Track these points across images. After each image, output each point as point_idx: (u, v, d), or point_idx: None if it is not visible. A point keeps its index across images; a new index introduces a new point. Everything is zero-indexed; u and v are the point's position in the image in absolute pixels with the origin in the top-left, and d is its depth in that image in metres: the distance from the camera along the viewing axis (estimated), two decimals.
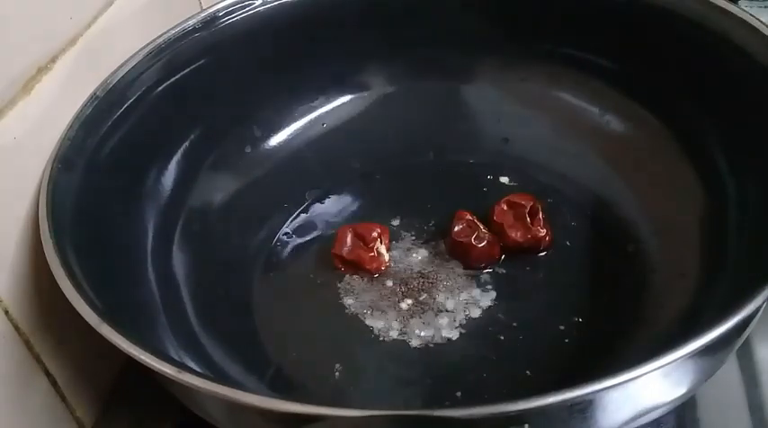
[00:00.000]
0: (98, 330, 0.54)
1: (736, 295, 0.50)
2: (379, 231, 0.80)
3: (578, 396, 0.44)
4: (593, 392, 0.44)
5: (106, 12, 0.74)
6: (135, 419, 0.74)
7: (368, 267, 0.79)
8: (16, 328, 0.63)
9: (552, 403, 0.44)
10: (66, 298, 0.56)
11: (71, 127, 0.69)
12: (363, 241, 0.79)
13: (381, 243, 0.80)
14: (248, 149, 0.89)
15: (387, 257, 0.80)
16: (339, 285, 0.79)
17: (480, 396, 0.69)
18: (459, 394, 0.68)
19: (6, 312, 0.62)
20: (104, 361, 0.75)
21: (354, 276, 0.79)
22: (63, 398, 0.69)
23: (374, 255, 0.79)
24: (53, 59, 0.67)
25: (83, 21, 0.71)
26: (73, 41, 0.69)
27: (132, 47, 0.76)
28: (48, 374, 0.67)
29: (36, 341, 0.65)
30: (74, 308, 0.55)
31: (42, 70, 0.65)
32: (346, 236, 0.80)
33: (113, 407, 0.75)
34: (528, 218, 0.78)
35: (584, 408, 0.48)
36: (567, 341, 0.71)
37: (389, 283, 0.78)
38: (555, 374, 0.69)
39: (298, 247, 0.84)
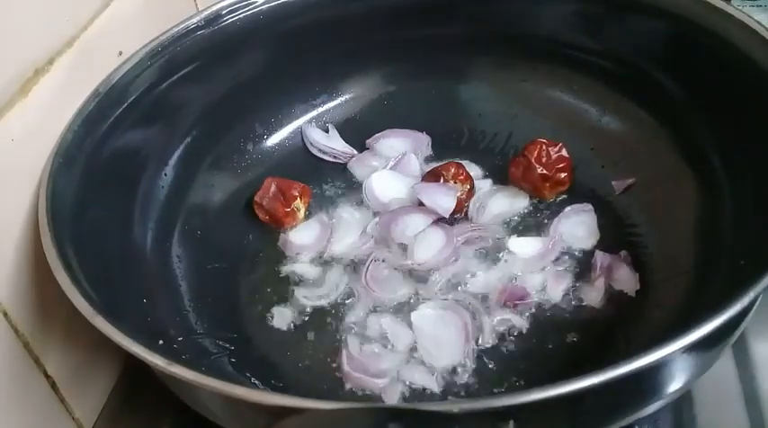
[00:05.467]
0: (92, 322, 0.54)
1: (729, 291, 0.50)
2: (300, 190, 0.84)
3: (562, 394, 0.44)
4: (578, 389, 0.45)
5: (102, 14, 0.74)
6: (133, 421, 0.74)
7: (283, 220, 0.83)
8: (15, 330, 0.63)
9: (535, 400, 0.44)
10: (65, 300, 0.56)
11: (73, 122, 0.70)
12: (284, 196, 0.83)
13: (301, 201, 0.84)
14: (250, 147, 0.90)
15: (302, 215, 0.84)
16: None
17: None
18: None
19: (5, 314, 0.62)
20: (103, 364, 0.76)
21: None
22: (62, 400, 0.69)
23: (290, 210, 0.83)
24: (50, 61, 0.67)
25: (79, 23, 0.71)
26: (70, 43, 0.70)
27: (128, 48, 0.77)
28: (47, 376, 0.67)
29: (35, 343, 0.65)
30: (72, 309, 0.55)
31: (40, 72, 0.66)
32: (270, 187, 0.84)
33: (112, 409, 0.75)
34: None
35: (573, 405, 0.48)
36: (567, 341, 0.71)
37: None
38: (554, 372, 0.69)
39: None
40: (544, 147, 0.82)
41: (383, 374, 0.69)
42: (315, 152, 0.92)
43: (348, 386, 0.69)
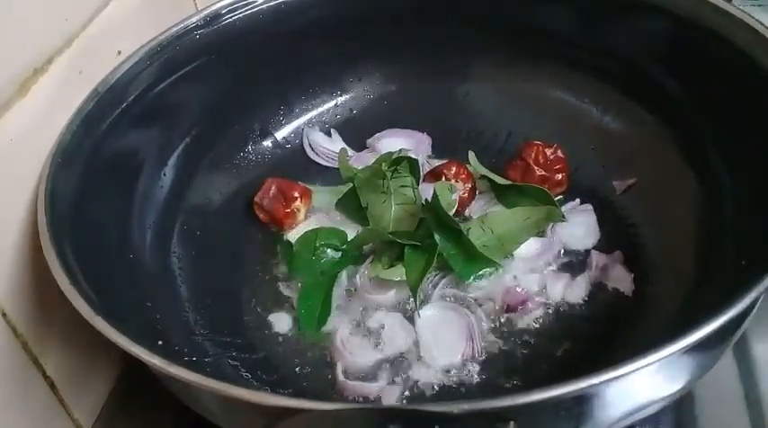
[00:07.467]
0: (91, 322, 0.54)
1: (730, 291, 0.50)
2: (300, 192, 0.84)
3: (563, 394, 0.44)
4: (578, 390, 0.44)
5: (101, 13, 0.74)
6: (132, 421, 0.74)
7: (283, 221, 0.83)
8: (14, 330, 0.63)
9: (535, 401, 0.43)
10: (64, 300, 0.56)
11: (72, 122, 0.70)
12: (284, 197, 0.83)
13: (301, 202, 0.84)
14: (250, 147, 0.90)
15: (302, 216, 0.84)
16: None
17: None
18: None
19: (4, 314, 0.62)
20: (102, 364, 0.76)
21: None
22: (61, 401, 0.69)
23: (290, 212, 0.83)
24: (49, 60, 0.67)
25: (78, 22, 0.71)
26: (69, 42, 0.69)
27: (128, 48, 0.77)
28: (46, 376, 0.67)
29: (34, 343, 0.65)
30: (71, 310, 0.55)
31: (39, 71, 0.65)
32: (270, 188, 0.83)
33: (111, 410, 0.75)
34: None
35: (572, 406, 0.48)
36: (567, 341, 0.71)
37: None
38: (555, 373, 0.69)
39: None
40: (541, 149, 0.83)
41: (376, 375, 0.69)
42: (314, 157, 0.92)
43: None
